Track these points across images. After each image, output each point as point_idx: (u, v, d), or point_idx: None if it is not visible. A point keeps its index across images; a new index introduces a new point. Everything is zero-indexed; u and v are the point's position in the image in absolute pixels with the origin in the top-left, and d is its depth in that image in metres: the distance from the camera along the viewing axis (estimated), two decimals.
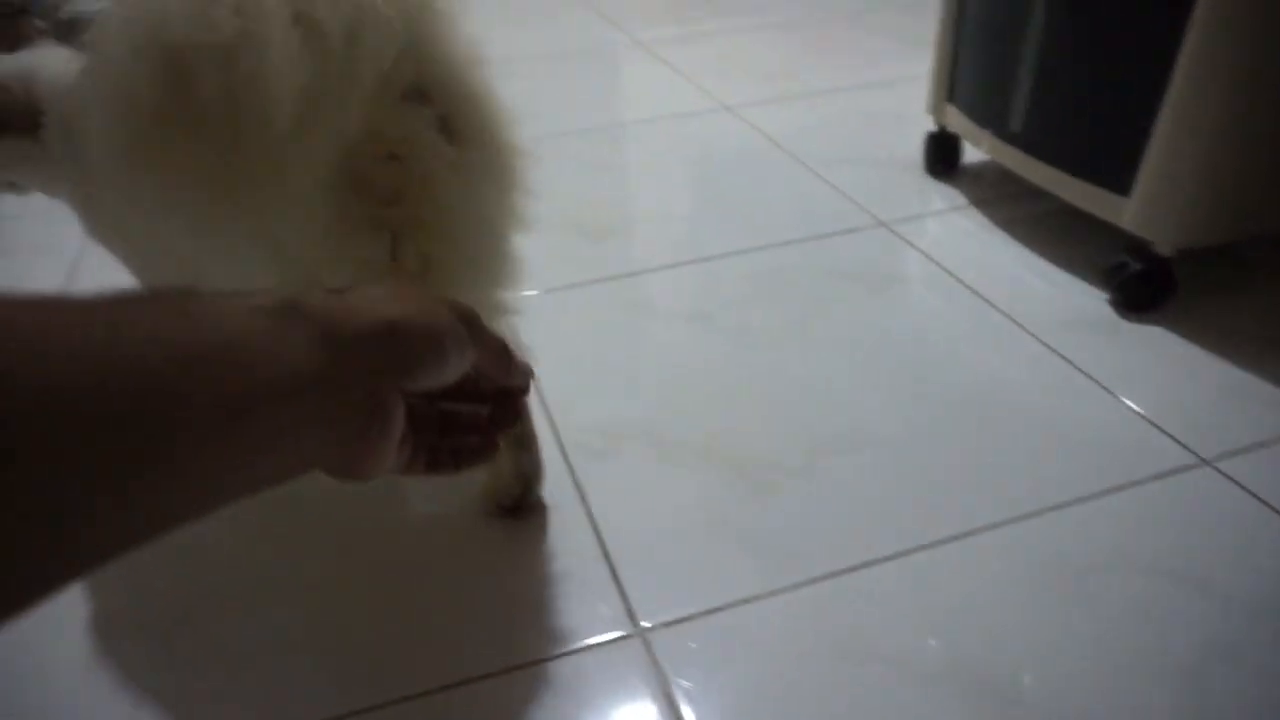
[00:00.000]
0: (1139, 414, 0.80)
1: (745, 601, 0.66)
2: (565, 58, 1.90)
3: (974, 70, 1.12)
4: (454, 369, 0.42)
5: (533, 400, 0.86)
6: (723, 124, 1.48)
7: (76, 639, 0.66)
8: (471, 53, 0.61)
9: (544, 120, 1.54)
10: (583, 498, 0.75)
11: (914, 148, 1.27)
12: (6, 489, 0.23)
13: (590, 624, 0.65)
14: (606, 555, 0.70)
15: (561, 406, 0.86)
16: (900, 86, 1.60)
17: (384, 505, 0.77)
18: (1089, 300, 0.96)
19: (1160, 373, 0.86)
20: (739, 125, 1.47)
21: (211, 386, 0.28)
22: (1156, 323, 0.92)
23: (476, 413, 0.48)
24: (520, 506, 0.75)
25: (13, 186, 0.76)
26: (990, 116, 1.09)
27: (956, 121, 1.17)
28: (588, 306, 1.03)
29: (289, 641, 0.66)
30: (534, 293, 1.04)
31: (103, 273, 0.76)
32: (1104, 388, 0.84)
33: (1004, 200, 1.16)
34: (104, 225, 0.73)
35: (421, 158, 0.59)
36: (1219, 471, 0.73)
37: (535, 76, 1.78)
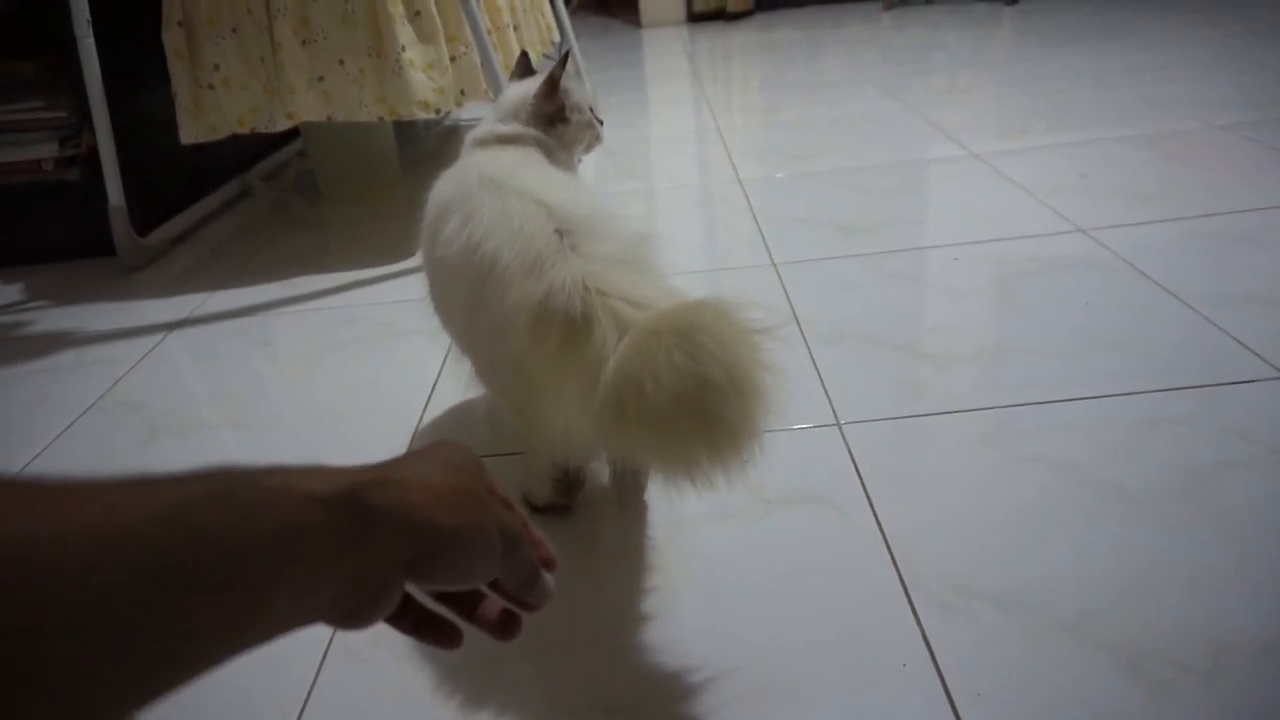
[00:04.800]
0: None
1: None
2: (896, 170, 1.88)
3: None
4: (473, 581, 0.45)
5: (873, 522, 0.82)
6: (1079, 249, 1.37)
7: None
8: None
9: (878, 236, 1.52)
10: (932, 655, 0.70)
11: None
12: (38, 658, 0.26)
13: None
14: None
15: (906, 544, 0.81)
16: None
17: None
18: None
19: None
20: (1097, 251, 1.36)
21: (240, 580, 0.32)
22: None
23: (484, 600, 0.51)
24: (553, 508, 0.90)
25: None
26: None
27: None
28: (933, 439, 0.97)
29: None
30: (873, 420, 1.01)
31: None
32: None
33: None
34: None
35: None
36: None
37: (869, 190, 1.77)
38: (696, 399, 0.61)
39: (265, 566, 0.33)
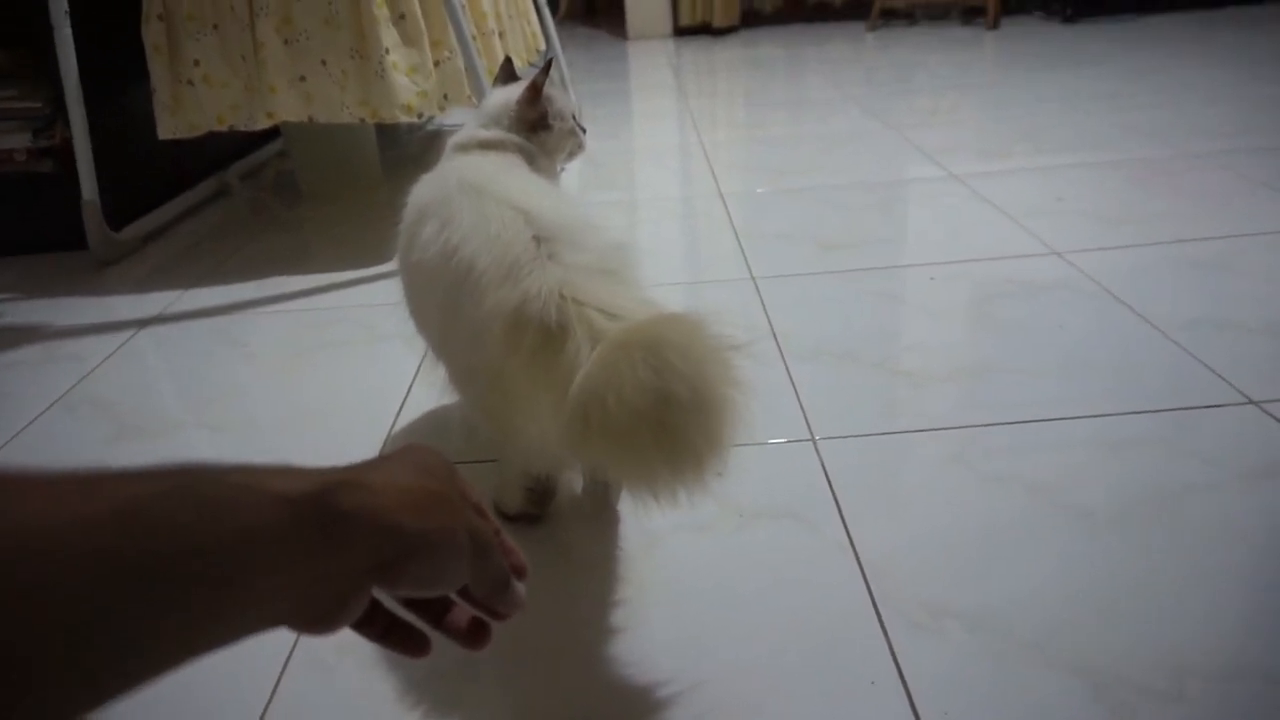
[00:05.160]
0: None
1: None
2: (876, 189, 1.89)
3: None
4: (443, 587, 0.44)
5: (845, 538, 0.83)
6: (1054, 272, 1.39)
7: None
8: None
9: (857, 253, 1.53)
10: (900, 673, 0.70)
11: None
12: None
13: None
14: None
15: (877, 561, 0.81)
16: (1269, 240, 1.44)
17: None
18: None
19: None
20: (1071, 274, 1.37)
21: (202, 579, 0.31)
22: None
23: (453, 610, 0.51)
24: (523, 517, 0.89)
25: None
26: None
27: None
28: (907, 456, 0.98)
29: None
30: (848, 436, 1.01)
31: None
32: None
33: None
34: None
35: None
36: None
37: (849, 208, 1.78)
38: (658, 414, 0.60)
39: (229, 566, 0.32)
